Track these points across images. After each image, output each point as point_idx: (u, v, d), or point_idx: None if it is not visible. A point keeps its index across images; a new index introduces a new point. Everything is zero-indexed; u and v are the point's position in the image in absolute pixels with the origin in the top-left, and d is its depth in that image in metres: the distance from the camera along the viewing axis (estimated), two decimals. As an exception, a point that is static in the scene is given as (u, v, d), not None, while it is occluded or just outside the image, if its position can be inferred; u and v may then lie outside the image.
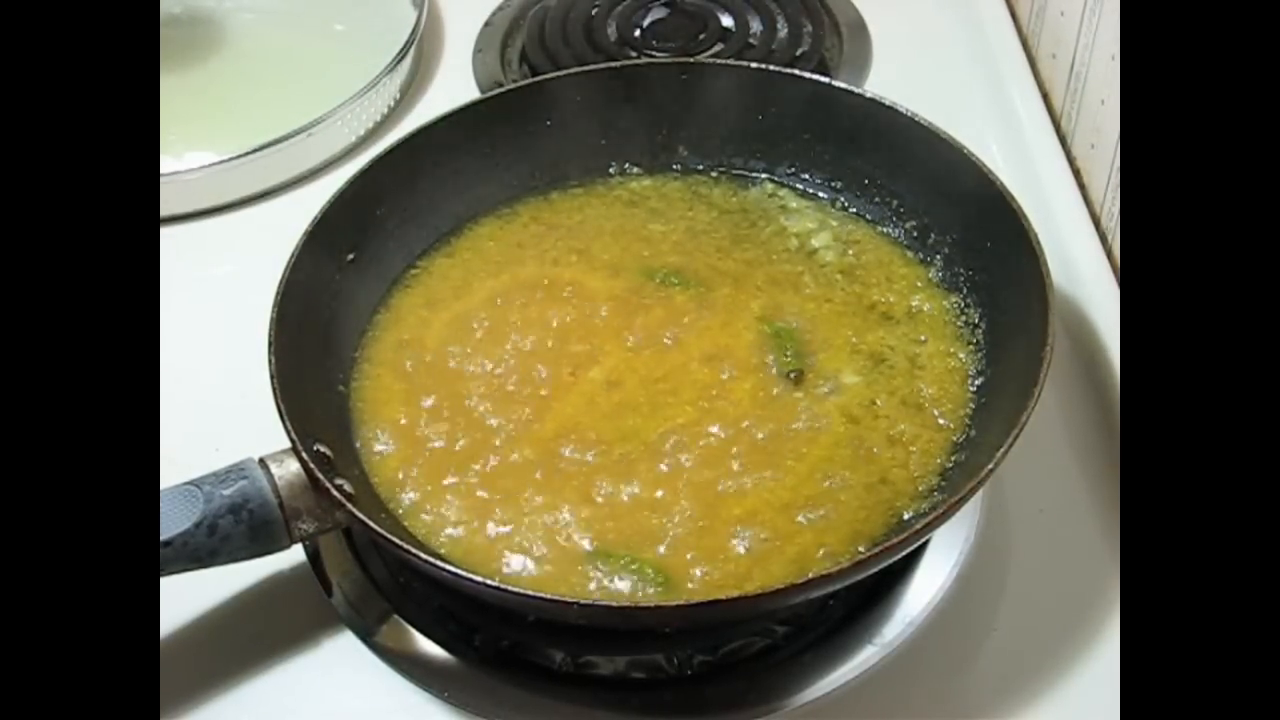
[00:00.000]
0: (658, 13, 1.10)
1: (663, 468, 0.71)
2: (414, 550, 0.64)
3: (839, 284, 0.81)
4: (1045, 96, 1.00)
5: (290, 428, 0.67)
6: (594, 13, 1.10)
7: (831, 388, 0.75)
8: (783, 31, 1.07)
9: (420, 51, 1.08)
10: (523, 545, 0.69)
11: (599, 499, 0.70)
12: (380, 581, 0.73)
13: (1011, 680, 0.68)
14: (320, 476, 0.65)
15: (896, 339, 0.77)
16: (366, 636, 0.71)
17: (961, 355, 0.76)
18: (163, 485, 0.66)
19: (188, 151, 0.98)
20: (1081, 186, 0.92)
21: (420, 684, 0.69)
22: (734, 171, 0.88)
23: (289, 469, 0.67)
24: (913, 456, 0.72)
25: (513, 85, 0.88)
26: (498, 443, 0.73)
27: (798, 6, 1.09)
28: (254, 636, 0.71)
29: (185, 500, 0.65)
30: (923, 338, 0.77)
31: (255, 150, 0.96)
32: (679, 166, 0.88)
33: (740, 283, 0.81)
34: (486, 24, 1.12)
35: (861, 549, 0.67)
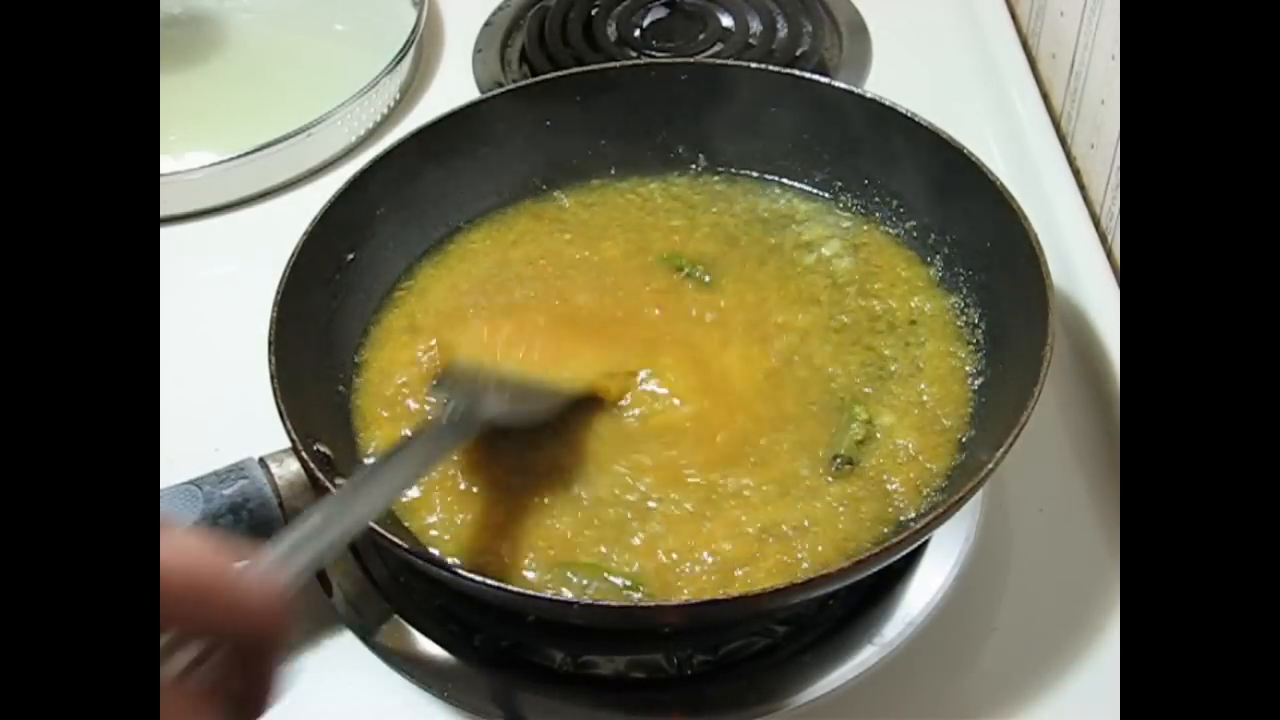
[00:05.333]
0: (658, 13, 1.10)
1: (664, 469, 0.71)
2: (414, 550, 0.64)
3: (840, 283, 0.81)
4: (1045, 96, 1.00)
5: (290, 427, 0.67)
6: (594, 13, 1.10)
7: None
8: (782, 31, 1.07)
9: (420, 51, 1.08)
10: (523, 545, 0.69)
11: (598, 501, 0.70)
12: (380, 581, 0.73)
13: (1011, 680, 0.68)
14: (320, 476, 0.65)
15: (897, 339, 0.77)
16: (366, 636, 0.71)
17: (961, 355, 0.76)
18: (163, 485, 0.66)
19: (188, 151, 0.98)
20: (1081, 186, 0.92)
21: (420, 684, 0.69)
22: (734, 172, 0.88)
23: (289, 469, 0.67)
24: (913, 457, 0.72)
25: (513, 85, 0.88)
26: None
27: (798, 6, 1.09)
28: (254, 636, 0.71)
29: (185, 500, 0.65)
30: (923, 338, 0.77)
31: (255, 150, 0.96)
32: (678, 167, 0.88)
33: (743, 283, 0.81)
34: (486, 24, 1.12)
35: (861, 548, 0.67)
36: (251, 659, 0.42)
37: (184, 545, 0.41)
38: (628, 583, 0.66)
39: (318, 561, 0.51)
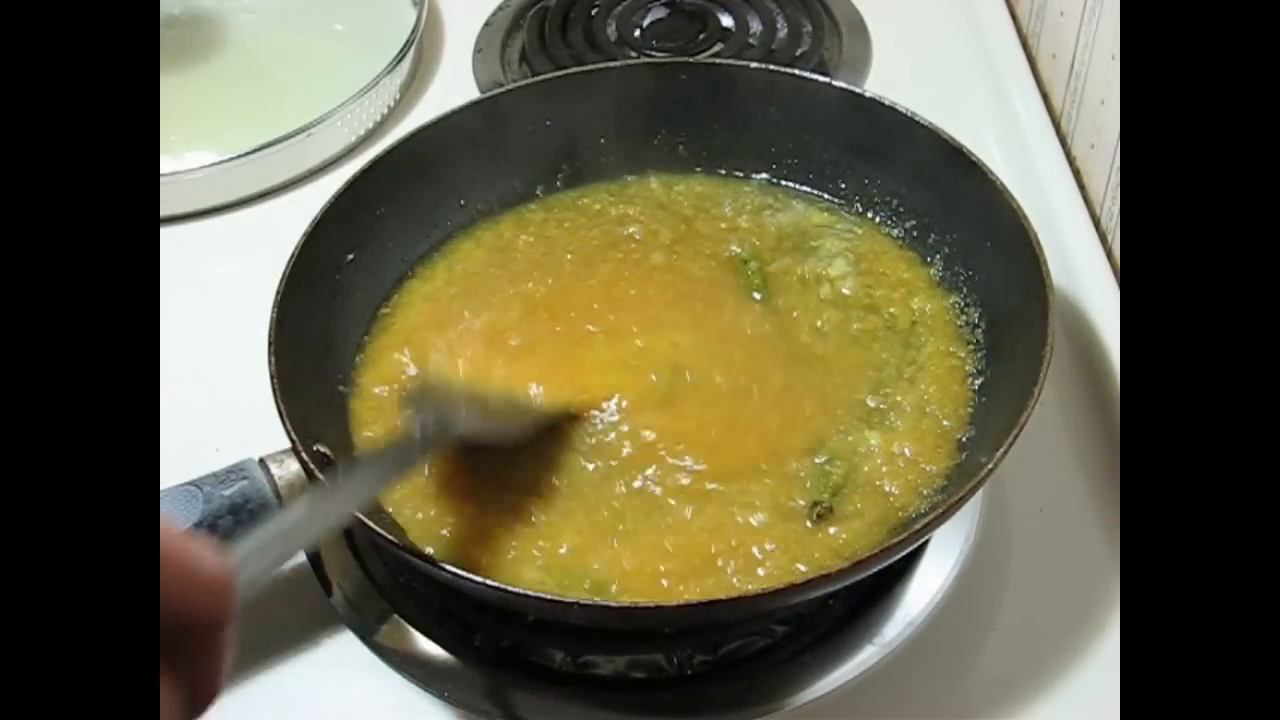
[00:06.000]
0: (658, 13, 1.10)
1: (664, 473, 0.71)
2: (414, 550, 0.64)
3: (839, 281, 0.81)
4: (1045, 96, 1.00)
5: (290, 428, 0.66)
6: (594, 13, 1.10)
7: (831, 388, 0.75)
8: (782, 31, 1.07)
9: (420, 51, 1.08)
10: (522, 545, 0.69)
11: (598, 503, 0.70)
12: (380, 581, 0.73)
13: (1011, 680, 0.68)
14: (320, 477, 0.65)
15: (899, 340, 0.77)
16: (366, 636, 0.71)
17: (961, 355, 0.76)
18: (163, 486, 0.66)
19: (188, 151, 0.98)
20: (1081, 186, 0.92)
21: (420, 684, 0.69)
22: (734, 174, 0.88)
23: (289, 469, 0.67)
24: (913, 458, 0.72)
25: (513, 85, 0.88)
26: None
27: (798, 6, 1.09)
28: (254, 636, 0.71)
29: (185, 500, 0.65)
30: (923, 338, 0.77)
31: (255, 150, 0.96)
32: (678, 169, 0.88)
33: (742, 293, 0.81)
34: (486, 24, 1.12)
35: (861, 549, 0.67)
36: (198, 639, 0.40)
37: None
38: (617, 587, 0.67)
39: (275, 561, 0.50)
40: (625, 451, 0.72)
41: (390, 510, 0.70)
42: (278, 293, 0.73)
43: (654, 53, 1.06)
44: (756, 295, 0.80)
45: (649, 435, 0.73)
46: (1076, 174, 0.94)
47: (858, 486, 0.70)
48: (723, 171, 0.88)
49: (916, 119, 0.80)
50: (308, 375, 0.73)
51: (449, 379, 0.75)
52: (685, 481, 0.71)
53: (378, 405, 0.76)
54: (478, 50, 1.10)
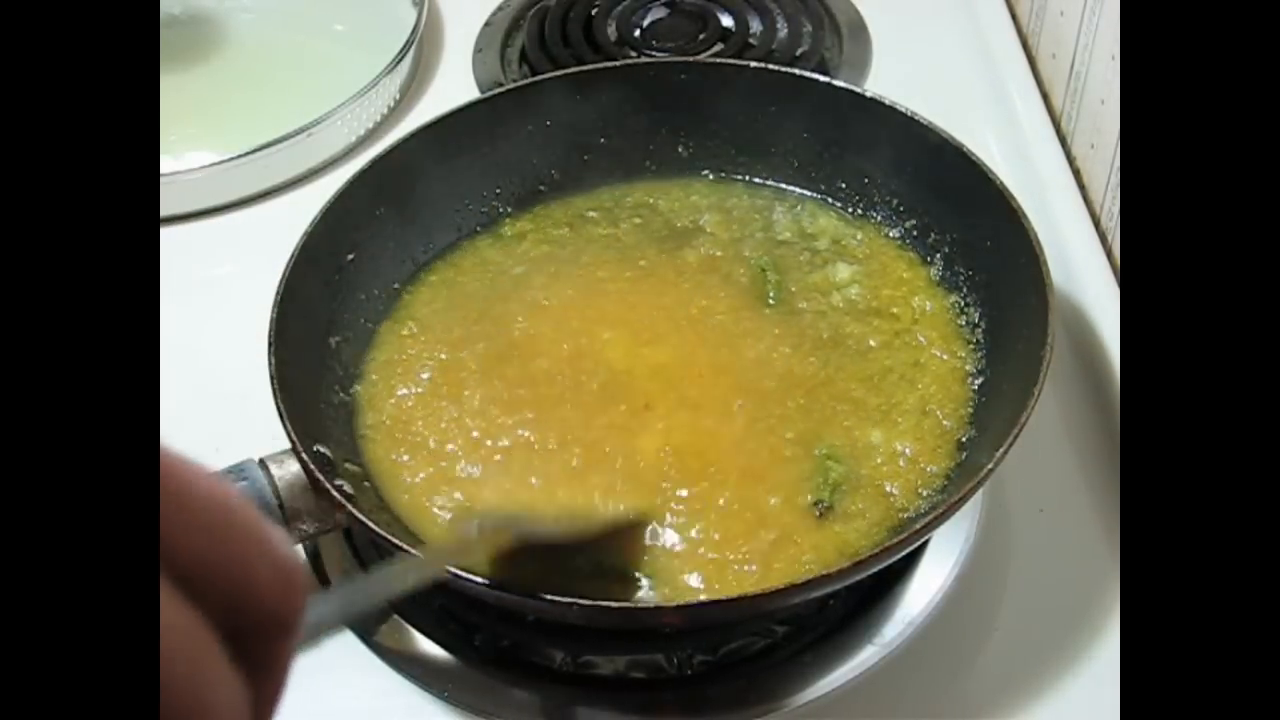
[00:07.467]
0: (658, 13, 1.10)
1: (664, 483, 0.71)
2: (414, 550, 0.64)
3: (841, 281, 0.81)
4: (1045, 96, 1.00)
5: (290, 429, 0.66)
6: (594, 13, 1.10)
7: (831, 388, 0.75)
8: (782, 31, 1.07)
9: (420, 51, 1.08)
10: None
11: (599, 504, 0.70)
12: (380, 581, 0.73)
13: (1011, 680, 0.68)
14: (320, 477, 0.65)
15: (897, 340, 0.77)
16: (366, 636, 0.71)
17: (961, 355, 0.76)
18: (163, 486, 0.66)
19: (188, 151, 0.98)
20: (1081, 186, 0.92)
21: (420, 684, 0.69)
22: (734, 174, 0.88)
23: (289, 470, 0.67)
24: (912, 458, 0.72)
25: (512, 85, 0.88)
26: (500, 443, 0.73)
27: (798, 6, 1.09)
28: (254, 637, 0.71)
29: (185, 501, 0.65)
30: (922, 338, 0.77)
31: (255, 150, 0.96)
32: (678, 169, 0.88)
33: (740, 288, 0.81)
34: (486, 24, 1.12)
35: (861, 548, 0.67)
36: (263, 636, 0.34)
37: (211, 478, 0.33)
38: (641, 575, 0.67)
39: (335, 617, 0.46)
40: (628, 450, 0.72)
41: (391, 509, 0.70)
42: (278, 293, 0.73)
43: (654, 53, 1.06)
44: (759, 295, 0.80)
45: (652, 434, 0.73)
46: (1076, 174, 0.94)
47: (858, 486, 0.70)
48: (724, 173, 0.88)
49: (917, 119, 0.80)
50: (308, 375, 0.73)
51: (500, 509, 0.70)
52: (686, 479, 0.71)
53: (378, 405, 0.76)
54: (478, 50, 1.10)
